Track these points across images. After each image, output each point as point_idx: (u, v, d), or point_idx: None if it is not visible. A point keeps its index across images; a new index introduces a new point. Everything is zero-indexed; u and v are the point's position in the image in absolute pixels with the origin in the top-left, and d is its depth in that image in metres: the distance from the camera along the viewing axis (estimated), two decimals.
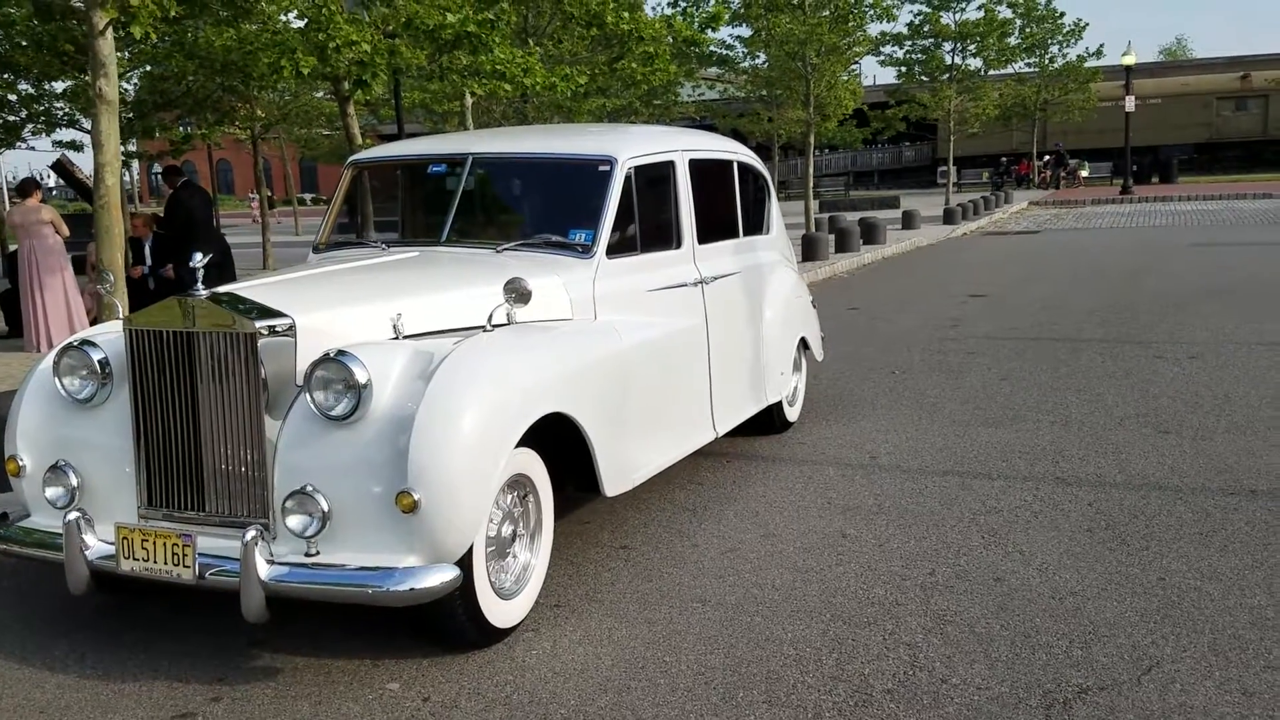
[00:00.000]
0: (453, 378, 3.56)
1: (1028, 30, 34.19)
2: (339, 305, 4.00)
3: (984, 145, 44.01)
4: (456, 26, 8.98)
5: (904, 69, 30.40)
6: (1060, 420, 6.76)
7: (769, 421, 6.41)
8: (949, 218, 26.26)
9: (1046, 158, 45.12)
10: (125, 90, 16.17)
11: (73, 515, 3.68)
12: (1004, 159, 45.11)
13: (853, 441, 6.44)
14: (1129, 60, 35.47)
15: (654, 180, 5.18)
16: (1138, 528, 4.79)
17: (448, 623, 3.69)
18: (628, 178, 4.90)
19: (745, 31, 22.27)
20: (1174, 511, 4.99)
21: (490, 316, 3.94)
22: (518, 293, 3.89)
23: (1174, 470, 5.62)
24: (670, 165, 5.30)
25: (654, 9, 18.59)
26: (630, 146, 5.05)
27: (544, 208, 5.25)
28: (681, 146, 5.47)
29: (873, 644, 3.74)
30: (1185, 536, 4.66)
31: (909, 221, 24.43)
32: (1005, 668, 3.53)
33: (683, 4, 15.49)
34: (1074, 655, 3.60)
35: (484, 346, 3.79)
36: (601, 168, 4.87)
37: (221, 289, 3.89)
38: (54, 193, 51.07)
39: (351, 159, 5.63)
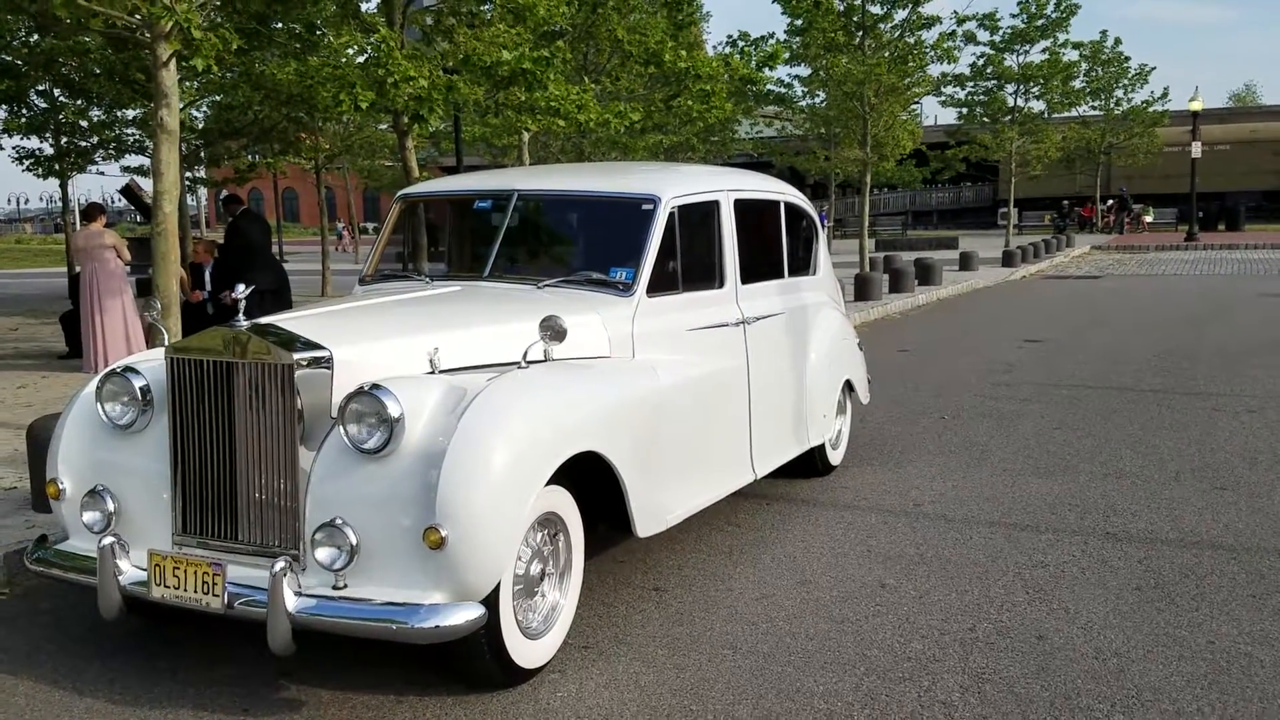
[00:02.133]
0: (484, 414, 3.55)
1: (1093, 74, 33.83)
2: (376, 338, 4.02)
3: (1046, 188, 43.54)
4: (512, 63, 9.09)
5: (965, 110, 30.20)
6: (1113, 473, 6.59)
7: (811, 464, 6.33)
8: (1008, 260, 25.95)
9: (1110, 202, 44.52)
10: (194, 119, 16.58)
11: (108, 540, 3.71)
12: (1066, 202, 44.58)
13: (897, 488, 6.33)
14: (1196, 106, 34.96)
15: (698, 219, 5.16)
16: (1188, 587, 4.64)
17: (473, 661, 3.66)
18: (671, 216, 4.89)
19: (803, 71, 22.30)
20: (1227, 572, 4.82)
21: (526, 353, 3.93)
22: (553, 330, 3.87)
23: (1228, 528, 5.44)
24: (715, 205, 5.28)
25: (715, 48, 18.68)
26: (674, 186, 5.04)
27: (587, 245, 5.25)
28: (727, 186, 5.45)
29: (907, 701, 3.64)
30: (1238, 598, 4.50)
31: (966, 263, 24.18)
32: None
33: (741, 43, 15.50)
34: None
35: (517, 383, 3.77)
36: (645, 206, 4.87)
37: (262, 320, 3.92)
38: (123, 217, 52.41)
39: (400, 193, 5.68)
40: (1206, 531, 5.40)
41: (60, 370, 10.58)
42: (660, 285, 4.84)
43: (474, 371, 3.95)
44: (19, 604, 4.67)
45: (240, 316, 3.78)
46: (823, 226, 6.88)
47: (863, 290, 17.11)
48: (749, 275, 5.51)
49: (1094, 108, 35.98)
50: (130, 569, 3.72)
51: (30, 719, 3.59)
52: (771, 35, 15.42)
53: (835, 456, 6.68)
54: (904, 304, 17.37)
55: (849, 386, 6.84)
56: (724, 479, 5.11)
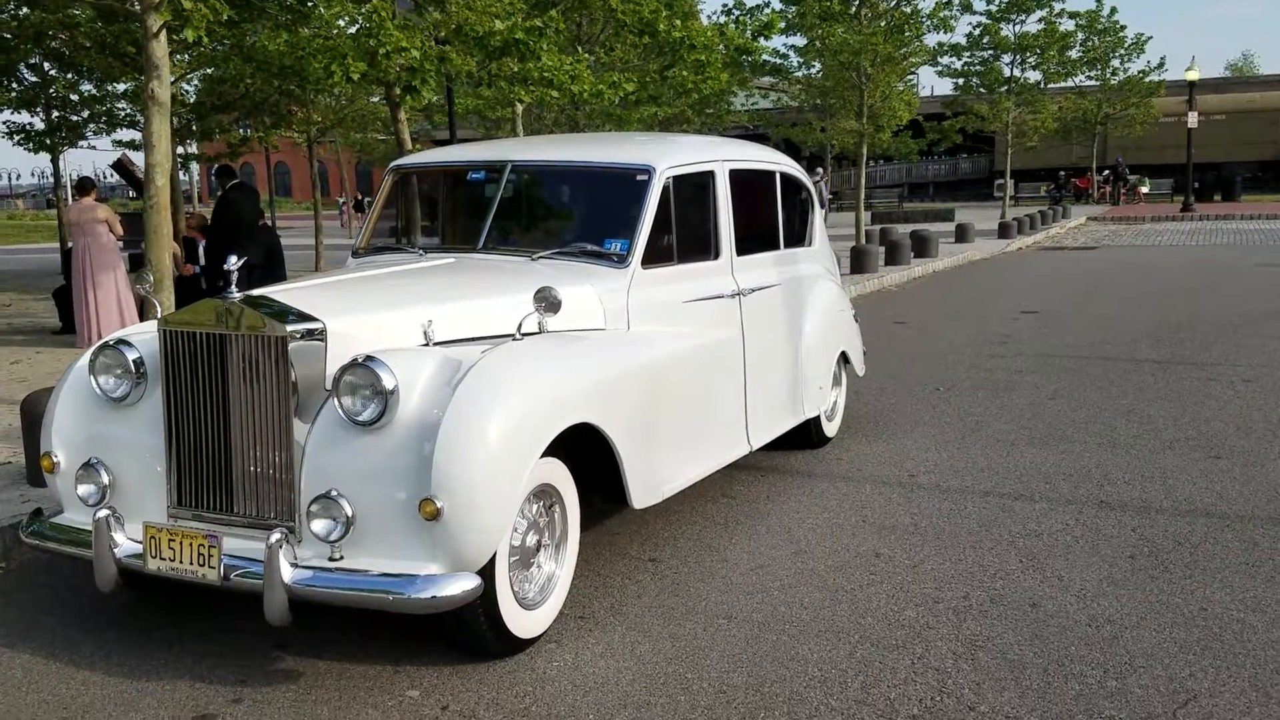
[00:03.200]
0: (479, 386, 3.54)
1: (1089, 43, 33.66)
2: (371, 311, 4.01)
3: (1042, 159, 43.37)
4: (505, 34, 9.02)
5: (962, 80, 30.04)
6: (1107, 442, 6.61)
7: (806, 436, 6.34)
8: (1004, 232, 25.90)
9: (1105, 172, 44.40)
10: (186, 92, 16.48)
11: (103, 513, 3.71)
12: (1062, 173, 44.46)
13: (892, 459, 6.34)
14: (1193, 75, 34.79)
15: (693, 190, 5.14)
16: (1181, 555, 4.66)
17: (469, 631, 3.67)
18: (666, 187, 4.87)
19: (799, 41, 22.17)
20: (1220, 539, 4.84)
21: (520, 325, 3.92)
22: (547, 301, 3.87)
23: (1222, 497, 5.46)
24: (710, 175, 5.26)
25: (710, 17, 18.53)
26: (669, 156, 5.02)
27: (581, 216, 5.23)
28: (722, 157, 5.42)
29: (901, 668, 3.66)
30: (1230, 566, 4.52)
31: (962, 235, 24.12)
32: (1036, 697, 3.44)
33: (736, 12, 15.40)
34: (1108, 686, 3.50)
35: (512, 355, 3.77)
36: (639, 177, 4.84)
37: (255, 292, 3.91)
38: (115, 192, 52.14)
39: (393, 164, 5.65)
40: (1200, 500, 5.42)
41: (54, 346, 10.56)
42: (655, 257, 4.82)
43: (468, 343, 3.94)
44: (15, 578, 4.68)
45: (233, 289, 3.76)
46: (824, 200, 6.85)
47: (859, 262, 17.07)
48: (744, 246, 5.49)
49: (1090, 78, 35.83)
50: (126, 542, 3.72)
51: (28, 691, 3.60)
52: (767, 4, 15.32)
53: (830, 428, 6.69)
54: (900, 276, 17.35)
55: (844, 358, 6.84)
56: (720, 451, 5.12)
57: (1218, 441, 6.55)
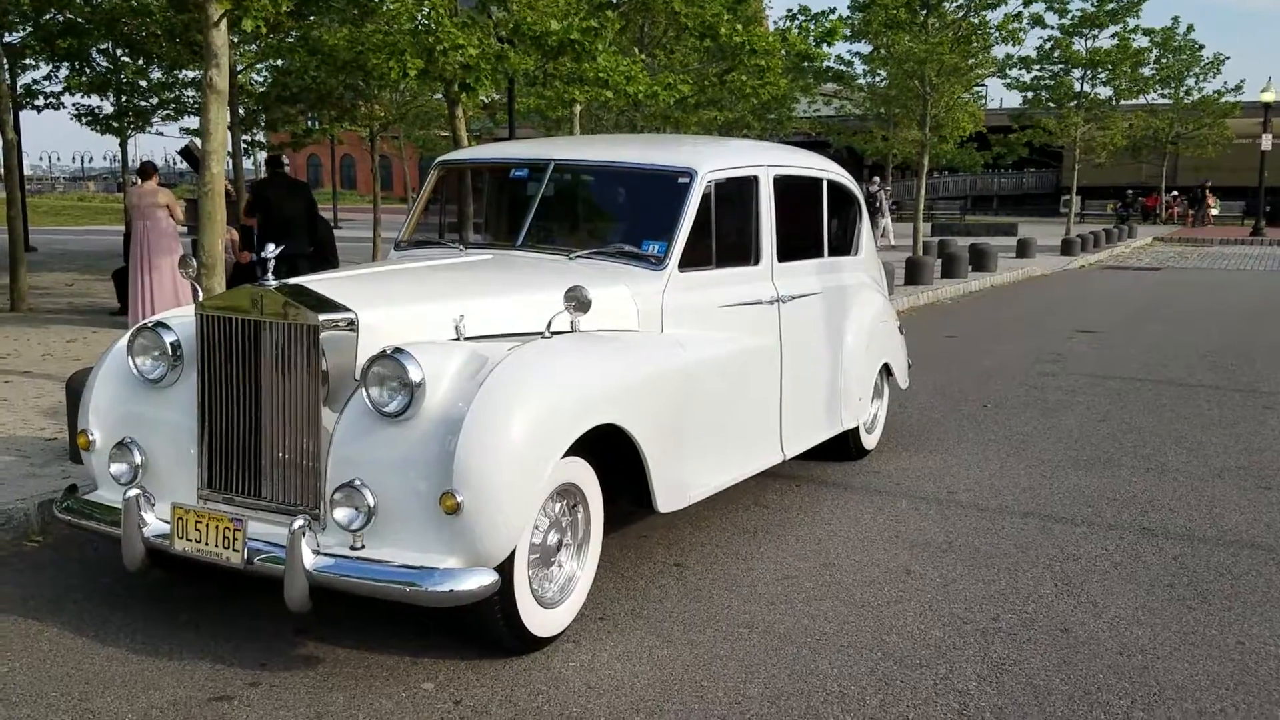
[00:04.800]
0: (504, 382, 3.54)
1: (1163, 61, 32.96)
2: (403, 303, 4.02)
3: (1110, 176, 42.56)
4: (561, 33, 9.04)
5: (1030, 94, 29.57)
6: (1156, 468, 6.45)
7: (844, 448, 6.26)
8: (1067, 248, 25.46)
9: (1175, 193, 43.44)
10: (254, 83, 16.73)
11: (133, 492, 3.77)
12: (1130, 191, 43.62)
13: (931, 474, 6.24)
14: (1269, 97, 33.92)
15: (735, 194, 5.10)
16: (1222, 587, 4.52)
17: (486, 627, 3.67)
18: (707, 192, 4.83)
19: (863, 48, 21.97)
20: (1264, 572, 4.70)
21: (550, 323, 3.91)
22: (577, 300, 3.85)
23: (1270, 529, 5.30)
24: (753, 180, 5.21)
25: (775, 23, 18.38)
26: (712, 159, 4.98)
27: (621, 217, 5.22)
28: (767, 161, 5.38)
29: (922, 687, 3.60)
30: (1272, 600, 4.38)
31: (1024, 250, 23.75)
32: None
33: (800, 18, 15.28)
34: (1134, 717, 3.41)
35: (539, 352, 3.76)
36: (680, 179, 4.81)
37: (291, 280, 3.94)
38: (184, 178, 53.13)
39: (439, 159, 5.68)
40: (1247, 530, 5.27)
41: (110, 326, 10.76)
42: (693, 260, 4.79)
43: (499, 340, 3.94)
44: (50, 552, 4.77)
45: (269, 277, 3.79)
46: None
47: (914, 274, 16.87)
48: (786, 253, 5.44)
49: (1163, 95, 35.06)
50: (154, 521, 3.77)
51: (53, 664, 3.66)
52: (832, 10, 15.15)
53: (870, 441, 6.60)
54: (955, 289, 17.12)
55: (887, 370, 6.75)
56: (751, 458, 5.07)
57: (1270, 472, 6.36)
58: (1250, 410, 8.12)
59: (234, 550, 3.60)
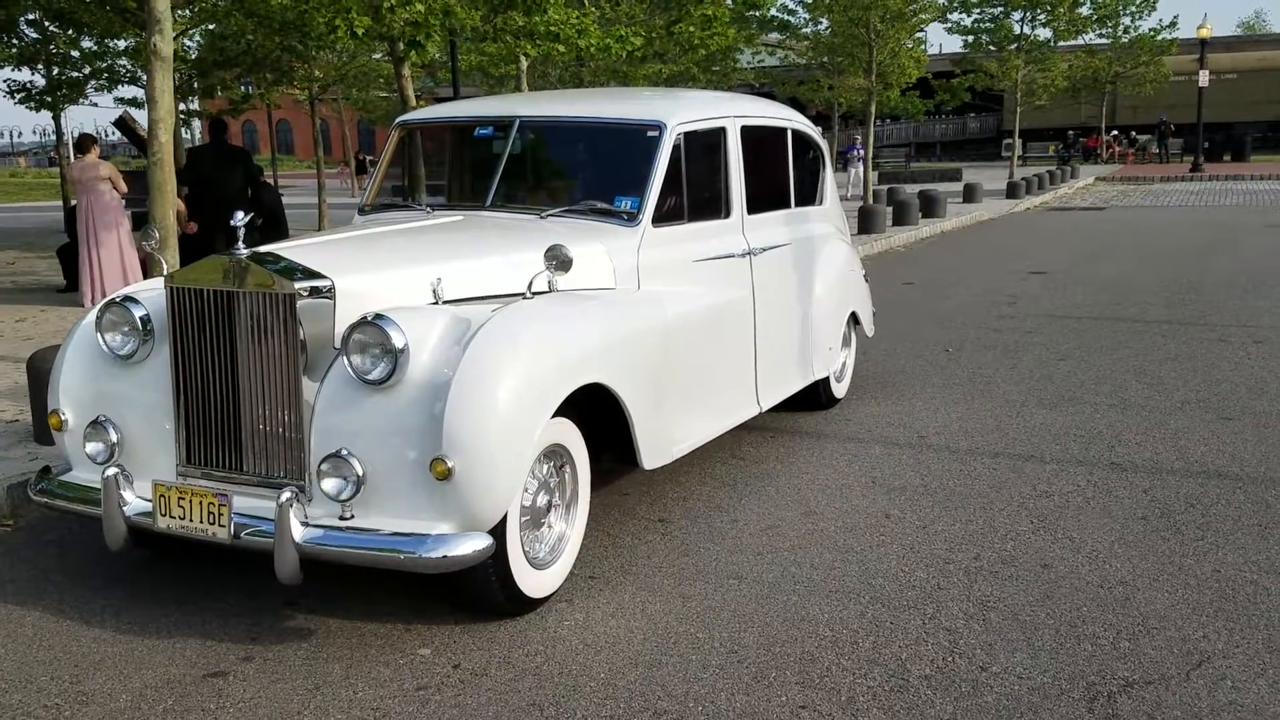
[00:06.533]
0: (489, 345, 3.51)
1: (1100, 0, 33.18)
2: (379, 268, 3.97)
3: (1051, 118, 43.00)
4: None
5: (971, 38, 29.68)
6: (1118, 403, 6.57)
7: (815, 397, 6.30)
8: (1012, 192, 25.73)
9: (1114, 132, 43.92)
10: (188, 49, 16.30)
11: (111, 471, 3.69)
12: (1071, 132, 44.09)
13: (901, 420, 6.31)
14: (1204, 33, 34.39)
15: (704, 147, 5.07)
16: (1194, 517, 4.64)
17: (480, 591, 3.66)
18: (677, 144, 4.80)
19: None
20: (1232, 501, 4.82)
21: (531, 284, 3.88)
22: (558, 260, 3.82)
23: (1234, 458, 5.43)
24: (721, 132, 5.18)
25: None
26: (680, 112, 4.94)
27: (591, 173, 5.17)
28: (734, 113, 5.35)
29: (912, 628, 3.65)
30: (1243, 527, 4.50)
31: (970, 195, 23.97)
32: (1048, 657, 3.43)
33: None
34: (1121, 647, 3.49)
35: (523, 314, 3.73)
36: (650, 133, 4.77)
37: (263, 249, 3.86)
38: (117, 149, 51.85)
39: (399, 119, 5.58)
40: (1212, 461, 5.40)
41: (58, 304, 10.52)
42: (666, 215, 4.77)
43: (478, 302, 3.90)
44: (24, 535, 4.68)
45: (241, 245, 3.71)
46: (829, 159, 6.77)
47: (866, 223, 16.97)
48: (755, 205, 5.43)
49: (1101, 35, 35.36)
50: (135, 500, 3.71)
51: (38, 649, 3.60)
52: None
53: (840, 389, 6.65)
54: (907, 236, 17.25)
55: (854, 319, 6.80)
56: (730, 411, 5.09)
57: (1229, 403, 6.51)
58: (1205, 343, 8.29)
59: (220, 525, 3.55)
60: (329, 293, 3.63)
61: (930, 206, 19.84)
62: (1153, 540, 4.39)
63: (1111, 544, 4.36)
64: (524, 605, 3.75)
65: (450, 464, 3.34)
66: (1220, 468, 5.29)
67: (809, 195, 6.33)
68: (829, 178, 6.62)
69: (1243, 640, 3.51)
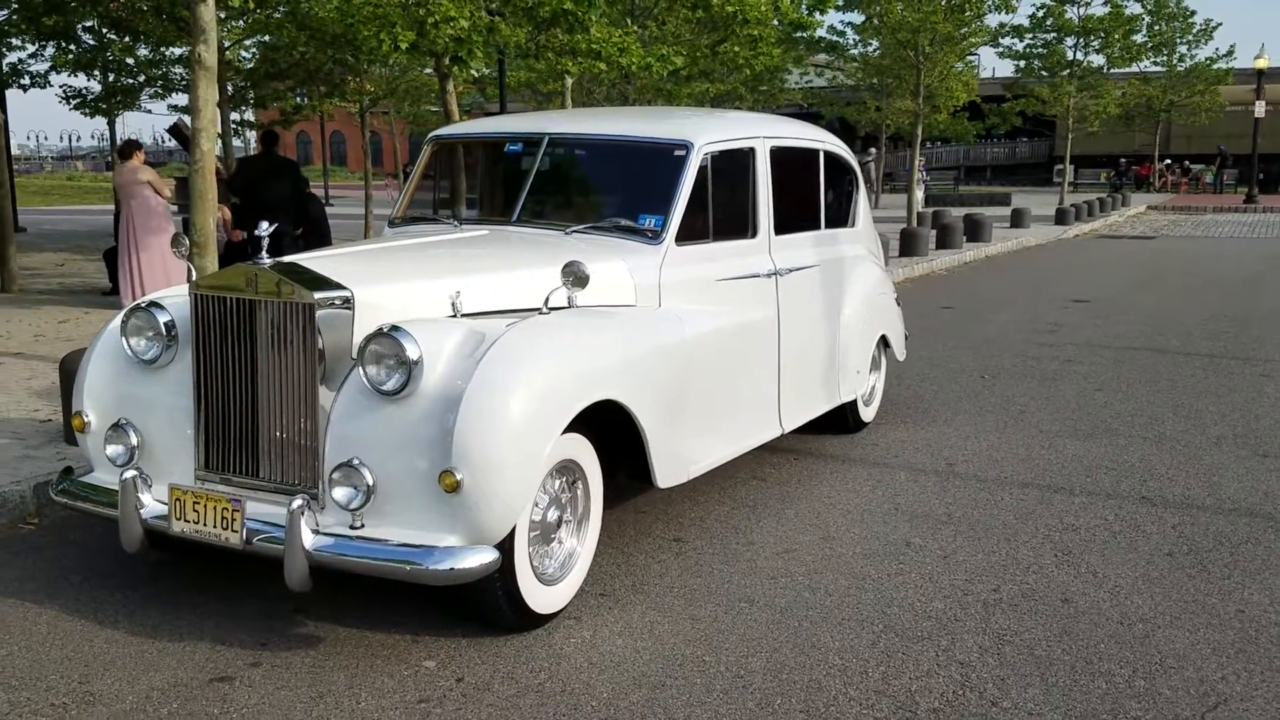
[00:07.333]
0: (502, 359, 3.51)
1: (1155, 28, 32.82)
2: (399, 280, 3.99)
3: (1103, 145, 42.52)
4: (554, 4, 8.95)
5: (1023, 62, 29.46)
6: (1153, 437, 6.45)
7: (842, 420, 6.25)
8: (1061, 218, 25.43)
9: (1168, 161, 43.29)
10: (242, 60, 16.59)
11: (129, 474, 3.74)
12: (1123, 160, 43.55)
13: (929, 446, 6.24)
14: (1262, 63, 33.80)
15: (732, 167, 5.05)
16: (1222, 555, 4.53)
17: (487, 604, 3.66)
18: (703, 164, 4.79)
19: (856, 17, 21.84)
20: (1263, 540, 4.70)
21: (548, 299, 3.88)
22: (575, 276, 3.82)
23: (1267, 496, 5.31)
24: (750, 153, 5.17)
25: None
26: (708, 132, 4.94)
27: (617, 191, 5.17)
28: (764, 134, 5.33)
29: (924, 659, 3.60)
30: (1271, 567, 4.39)
31: (1018, 220, 23.72)
32: (1061, 694, 3.36)
33: None
34: (1136, 686, 3.41)
35: (538, 329, 3.73)
36: (677, 152, 4.77)
37: (286, 258, 3.90)
38: (173, 156, 52.79)
39: (432, 134, 5.62)
40: (1245, 498, 5.27)
41: (102, 306, 10.69)
42: (690, 234, 4.75)
43: (496, 316, 3.91)
44: (47, 534, 4.75)
45: (264, 255, 3.76)
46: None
47: (908, 246, 16.83)
48: (784, 225, 5.40)
49: (1155, 63, 34.98)
50: (152, 503, 3.75)
51: (51, 647, 3.65)
52: None
53: (868, 413, 6.59)
54: (950, 260, 17.09)
55: (884, 342, 6.74)
56: (750, 432, 5.05)
57: (1267, 439, 6.36)
58: (1247, 378, 8.13)
59: (232, 531, 3.58)
60: (348, 303, 3.65)
61: (976, 231, 19.65)
62: (1177, 577, 4.29)
63: (1135, 580, 4.26)
64: (531, 620, 3.74)
65: (459, 476, 3.34)
66: (1252, 506, 5.17)
67: (840, 217, 6.29)
68: (862, 200, 6.58)
69: (1262, 683, 3.42)
